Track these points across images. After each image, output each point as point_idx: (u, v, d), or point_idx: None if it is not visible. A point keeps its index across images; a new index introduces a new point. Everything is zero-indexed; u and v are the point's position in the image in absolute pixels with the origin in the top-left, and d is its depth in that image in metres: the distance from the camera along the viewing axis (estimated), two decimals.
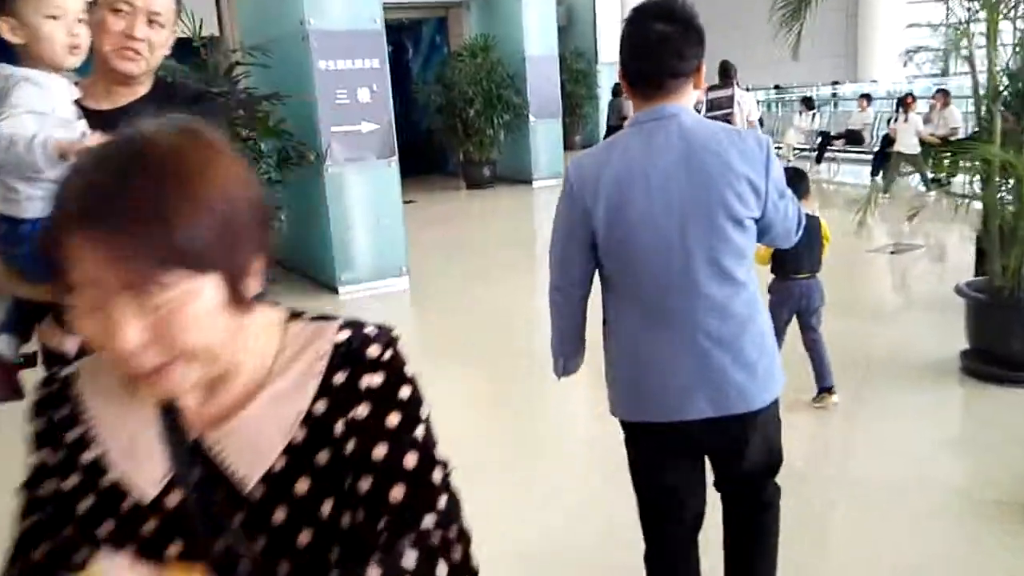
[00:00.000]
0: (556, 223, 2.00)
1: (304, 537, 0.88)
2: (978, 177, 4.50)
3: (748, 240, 1.92)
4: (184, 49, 6.56)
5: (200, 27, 6.60)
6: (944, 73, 11.93)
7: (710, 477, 2.16)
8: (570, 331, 2.09)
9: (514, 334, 5.88)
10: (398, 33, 16.44)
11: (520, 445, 4.04)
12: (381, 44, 6.95)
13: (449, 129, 13.39)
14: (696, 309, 1.88)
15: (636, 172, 1.86)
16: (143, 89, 1.95)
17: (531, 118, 13.02)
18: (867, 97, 13.32)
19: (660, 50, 1.87)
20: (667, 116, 1.89)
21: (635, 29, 1.92)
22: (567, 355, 2.13)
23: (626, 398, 2.01)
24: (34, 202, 1.70)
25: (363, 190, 6.99)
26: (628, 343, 1.98)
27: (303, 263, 7.73)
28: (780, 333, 3.97)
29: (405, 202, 7.40)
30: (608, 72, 16.59)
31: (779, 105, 17.27)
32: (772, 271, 3.95)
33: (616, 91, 13.76)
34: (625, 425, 2.07)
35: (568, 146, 14.91)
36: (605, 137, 12.84)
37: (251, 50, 7.01)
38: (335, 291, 6.97)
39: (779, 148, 12.58)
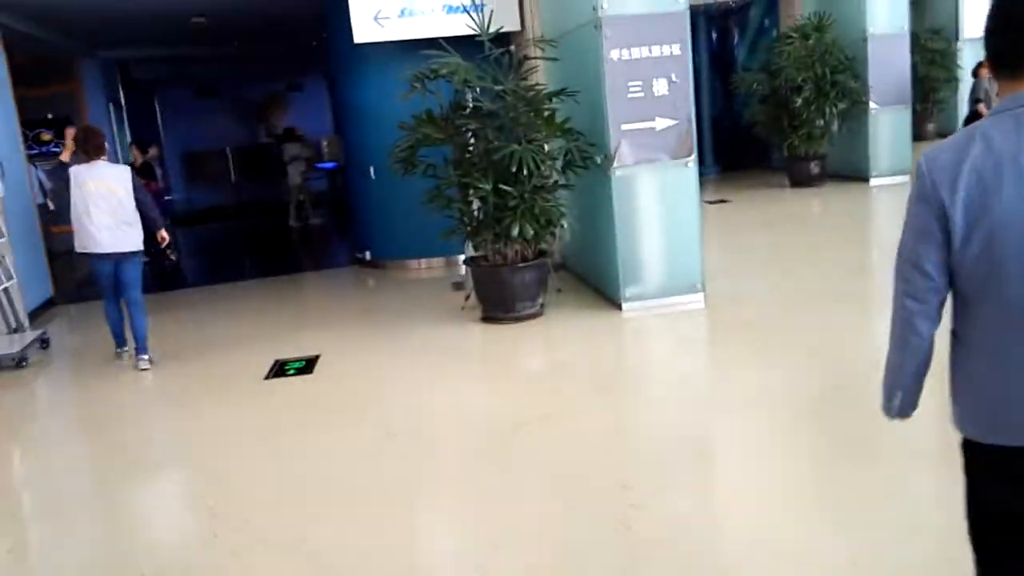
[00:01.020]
0: (907, 222, 1.76)
1: None
2: None
3: None
4: (474, 46, 6.26)
5: (489, 21, 6.25)
6: None
7: None
8: (919, 352, 1.79)
9: (836, 374, 4.69)
10: (724, 18, 15.35)
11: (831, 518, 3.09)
12: (683, 27, 6.08)
13: (773, 120, 12.09)
14: None
15: (1004, 162, 1.59)
16: None
17: (871, 106, 11.29)
18: None
19: None
20: None
21: None
22: (908, 386, 1.84)
23: (985, 417, 1.73)
24: None
25: (655, 195, 6.19)
26: (990, 356, 1.70)
27: (589, 274, 7.14)
28: None
29: (716, 202, 6.44)
30: (971, 50, 14.09)
31: None
32: None
33: (976, 72, 11.52)
34: (972, 447, 1.78)
35: (919, 136, 12.91)
36: (965, 123, 10.87)
37: (542, 43, 6.54)
38: (619, 307, 6.27)
39: None
